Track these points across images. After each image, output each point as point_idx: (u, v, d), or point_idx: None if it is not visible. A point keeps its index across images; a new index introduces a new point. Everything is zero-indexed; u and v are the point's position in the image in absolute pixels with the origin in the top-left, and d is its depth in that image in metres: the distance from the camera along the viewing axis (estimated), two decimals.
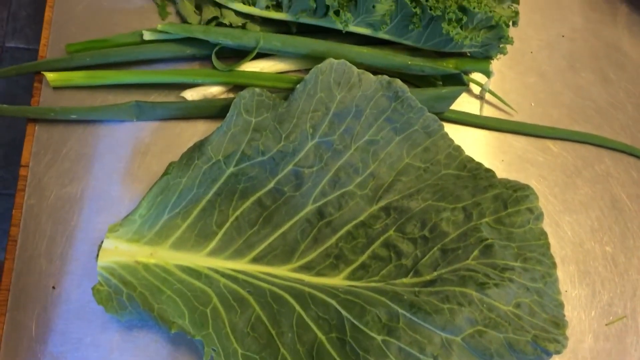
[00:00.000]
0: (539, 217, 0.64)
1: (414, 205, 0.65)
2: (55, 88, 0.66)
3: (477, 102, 0.75)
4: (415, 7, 0.66)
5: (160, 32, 0.67)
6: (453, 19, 0.65)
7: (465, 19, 0.66)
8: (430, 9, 0.65)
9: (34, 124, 0.65)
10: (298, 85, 0.65)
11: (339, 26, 0.67)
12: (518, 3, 0.73)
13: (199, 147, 0.63)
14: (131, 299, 0.57)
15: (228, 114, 0.63)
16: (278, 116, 0.65)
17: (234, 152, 0.63)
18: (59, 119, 0.65)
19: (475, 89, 0.75)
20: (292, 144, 0.64)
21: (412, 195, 0.66)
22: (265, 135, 0.64)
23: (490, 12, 0.66)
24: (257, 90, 0.65)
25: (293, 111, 0.65)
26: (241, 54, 0.69)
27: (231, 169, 0.63)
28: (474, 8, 0.65)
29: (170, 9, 0.72)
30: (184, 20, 0.71)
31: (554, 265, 0.62)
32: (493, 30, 0.68)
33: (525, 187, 0.65)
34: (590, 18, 0.81)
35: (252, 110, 0.64)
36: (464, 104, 0.75)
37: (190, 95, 0.68)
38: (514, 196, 0.64)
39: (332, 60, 0.65)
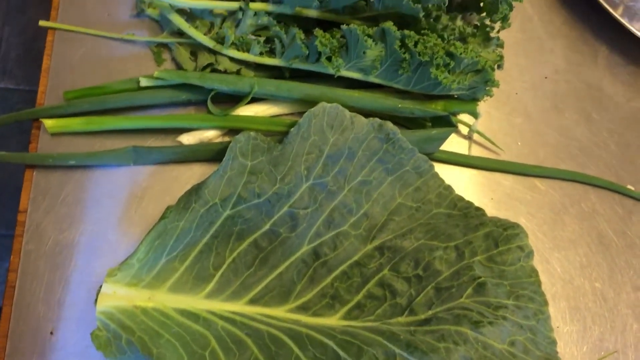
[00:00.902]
0: (530, 254, 0.65)
1: (407, 245, 0.67)
2: (54, 134, 0.67)
3: (466, 142, 0.77)
4: (404, 53, 0.68)
5: (157, 78, 0.69)
6: (441, 64, 0.68)
7: (452, 63, 0.68)
8: (419, 55, 0.67)
9: (32, 170, 0.66)
10: (292, 129, 0.67)
11: (331, 71, 0.69)
12: (502, 47, 0.75)
13: (196, 191, 0.64)
14: (130, 344, 0.57)
15: (224, 158, 0.64)
16: (273, 159, 0.66)
17: (231, 195, 0.64)
18: (57, 164, 0.66)
19: (464, 130, 0.77)
20: (287, 186, 0.66)
21: (405, 234, 0.67)
22: (261, 178, 0.65)
23: (477, 57, 0.69)
24: (253, 134, 0.66)
25: (287, 154, 0.66)
26: (236, 98, 0.71)
27: (228, 212, 0.64)
28: (461, 54, 0.68)
29: (166, 55, 0.74)
30: (179, 67, 0.73)
31: (545, 302, 0.63)
32: (480, 74, 0.71)
33: (515, 226, 0.66)
34: (572, 60, 0.85)
35: (248, 153, 0.66)
36: (453, 144, 0.77)
37: (187, 139, 0.69)
38: (504, 234, 0.66)
39: (324, 104, 0.67)
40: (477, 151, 0.77)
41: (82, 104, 0.68)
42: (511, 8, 0.74)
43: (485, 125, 0.78)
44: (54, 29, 0.72)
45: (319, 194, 0.67)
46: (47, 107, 0.67)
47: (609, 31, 0.87)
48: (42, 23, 0.72)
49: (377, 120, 0.68)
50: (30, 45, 1.79)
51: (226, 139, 0.71)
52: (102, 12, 0.74)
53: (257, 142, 0.67)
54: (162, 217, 0.63)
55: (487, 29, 0.74)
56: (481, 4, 0.77)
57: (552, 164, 0.78)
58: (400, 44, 0.68)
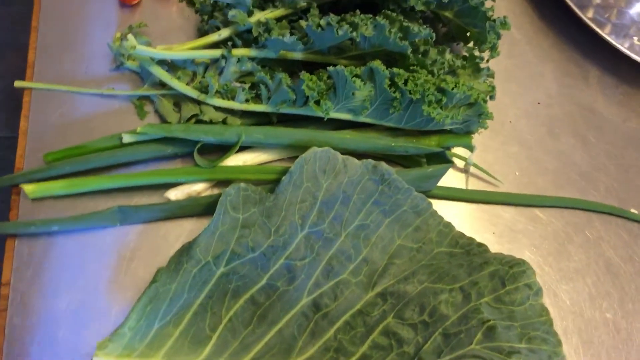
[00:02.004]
0: (539, 292, 0.63)
1: (411, 289, 0.64)
2: (34, 199, 0.64)
3: (462, 176, 0.75)
4: (394, 92, 0.66)
5: (140, 133, 0.66)
6: (433, 101, 0.66)
7: (444, 99, 0.66)
8: (410, 93, 0.65)
9: (13, 239, 0.63)
10: (284, 177, 0.64)
11: (320, 115, 0.67)
12: (493, 77, 0.74)
13: (187, 251, 0.61)
14: None
15: (215, 213, 0.62)
16: (266, 210, 0.64)
17: (224, 251, 0.62)
18: (40, 232, 0.63)
19: (460, 163, 0.75)
20: (282, 237, 0.63)
21: (408, 278, 0.65)
22: (254, 230, 0.63)
23: (469, 90, 0.67)
24: (243, 185, 0.64)
25: (280, 204, 0.64)
26: (223, 147, 0.69)
27: (221, 269, 0.62)
28: (452, 88, 0.66)
29: (149, 107, 0.72)
30: (163, 119, 0.70)
31: (559, 342, 0.61)
32: (473, 107, 0.69)
33: (521, 262, 0.64)
34: (564, 83, 0.83)
35: (239, 206, 0.63)
36: (450, 178, 0.74)
37: (174, 194, 0.66)
38: (510, 272, 0.63)
39: (315, 148, 0.65)
40: (474, 184, 0.75)
41: (63, 166, 0.65)
42: (499, 37, 0.72)
43: (481, 156, 0.76)
44: (30, 88, 0.70)
45: (315, 242, 0.64)
46: (27, 172, 0.65)
47: (598, 51, 0.85)
48: (17, 84, 0.69)
49: (371, 161, 0.66)
50: (11, 90, 1.77)
51: (215, 191, 0.69)
52: (79, 67, 0.72)
53: (247, 193, 0.64)
54: (153, 281, 0.60)
55: (477, 59, 0.72)
56: (467, 34, 0.75)
57: (552, 192, 0.75)
58: (389, 82, 0.66)
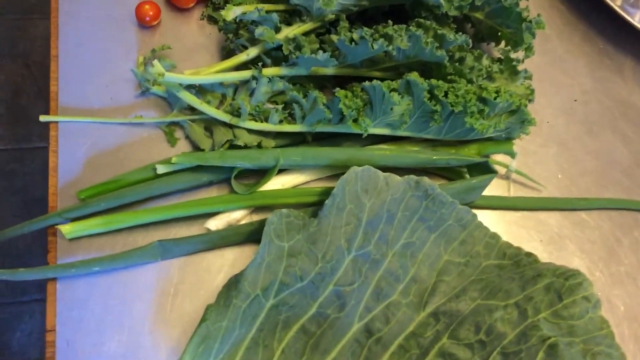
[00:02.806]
0: (597, 304, 0.61)
1: (463, 307, 0.62)
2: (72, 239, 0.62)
3: (504, 183, 0.73)
4: (435, 105, 0.64)
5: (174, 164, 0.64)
6: (475, 112, 0.63)
7: (487, 109, 0.64)
8: (451, 105, 0.63)
9: (54, 282, 0.61)
10: (326, 201, 0.62)
11: (359, 132, 0.65)
12: (531, 79, 0.71)
13: (234, 285, 0.59)
14: None
15: (260, 244, 0.60)
16: (311, 236, 0.62)
17: (272, 282, 0.60)
18: (81, 274, 0.61)
19: (500, 169, 0.73)
20: (330, 263, 0.61)
21: (459, 295, 0.63)
22: (301, 259, 0.61)
23: (510, 97, 0.64)
24: (285, 211, 0.62)
25: (325, 228, 0.62)
26: (259, 171, 0.66)
27: (271, 301, 0.60)
28: (495, 98, 0.63)
29: (179, 133, 0.69)
30: (195, 146, 0.68)
31: (623, 356, 0.59)
32: (515, 115, 0.66)
33: (576, 274, 0.62)
34: (598, 77, 0.81)
35: (284, 234, 0.61)
36: (491, 186, 0.72)
37: (215, 224, 0.64)
38: (566, 285, 0.61)
39: (356, 168, 0.63)
40: (516, 190, 0.73)
41: (98, 203, 0.63)
42: (534, 36, 0.70)
43: (521, 160, 0.74)
44: (56, 122, 0.67)
45: (362, 265, 0.62)
46: (61, 211, 0.62)
47: (631, 41, 0.83)
48: (42, 118, 0.67)
49: (413, 177, 0.63)
50: (12, 102, 1.75)
51: (254, 217, 0.67)
52: (104, 95, 0.70)
53: (290, 219, 0.62)
54: (203, 319, 0.58)
55: (514, 62, 0.70)
56: (499, 34, 0.73)
57: (596, 193, 0.73)
58: (429, 95, 0.64)
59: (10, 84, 1.78)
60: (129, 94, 0.70)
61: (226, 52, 0.73)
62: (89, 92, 0.70)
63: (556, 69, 0.80)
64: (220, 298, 0.59)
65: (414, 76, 0.64)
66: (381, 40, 0.63)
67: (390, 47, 0.63)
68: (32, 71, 1.84)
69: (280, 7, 0.71)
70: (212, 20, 0.76)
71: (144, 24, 0.73)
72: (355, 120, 0.64)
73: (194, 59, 0.73)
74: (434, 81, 0.64)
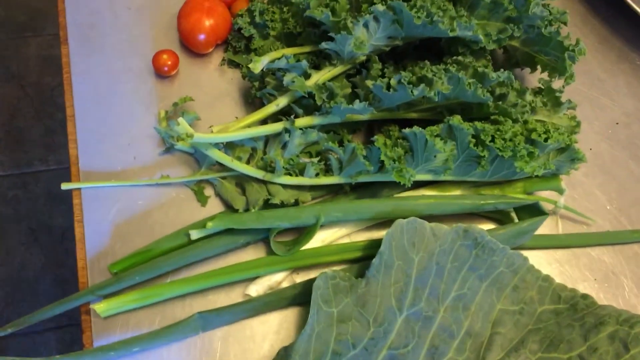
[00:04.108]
0: None
1: None
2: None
3: (552, 219, 0.69)
4: (482, 151, 0.60)
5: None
6: (525, 155, 0.60)
7: (536, 152, 0.60)
8: (500, 151, 0.59)
9: None
10: (374, 260, 0.59)
11: (402, 182, 0.61)
12: (575, 109, 0.68)
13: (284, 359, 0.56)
14: None
15: (310, 314, 0.56)
16: (360, 298, 0.58)
17: (324, 353, 0.56)
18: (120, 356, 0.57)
19: (547, 204, 0.69)
20: (382, 326, 0.58)
21: (518, 349, 0.60)
22: (352, 325, 0.58)
23: (560, 136, 0.61)
24: (329, 273, 0.58)
25: (374, 289, 0.59)
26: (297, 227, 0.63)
27: None
28: (545, 140, 0.60)
29: (208, 190, 0.66)
30: (226, 203, 0.64)
31: None
32: (565, 153, 0.63)
33: None
34: (639, 97, 0.77)
35: (331, 299, 0.58)
36: None
37: (255, 290, 0.61)
38: (632, 334, 0.58)
39: (401, 221, 0.59)
40: (564, 225, 0.69)
41: (132, 276, 0.59)
42: (574, 62, 0.66)
43: (566, 193, 0.70)
44: (79, 189, 0.64)
45: (415, 324, 0.59)
46: (94, 287, 0.59)
47: None
48: (64, 186, 0.63)
49: (461, 226, 0.60)
50: (10, 126, 1.71)
51: (296, 277, 0.63)
52: (127, 156, 0.66)
53: (336, 281, 0.59)
54: None
55: (557, 93, 0.66)
56: (535, 59, 0.69)
57: None
58: (474, 140, 0.60)
59: (6, 107, 1.74)
60: (153, 151, 0.66)
61: (252, 99, 0.69)
62: (111, 152, 0.66)
63: (595, 90, 0.77)
64: None
65: (456, 120, 0.60)
66: (422, 86, 0.59)
67: (433, 94, 0.59)
68: (28, 92, 1.80)
69: (307, 49, 0.67)
70: (233, 64, 0.72)
71: (163, 74, 0.69)
72: (399, 171, 0.60)
73: (218, 107, 0.70)
74: (479, 124, 0.60)
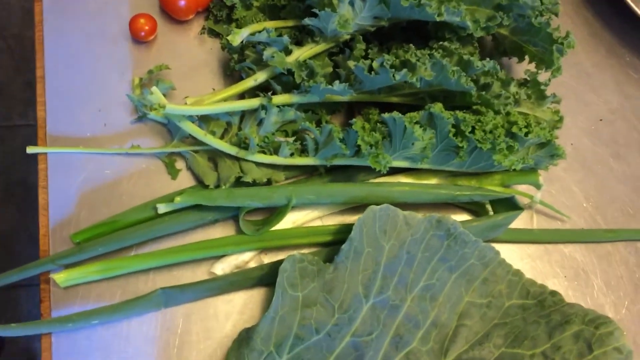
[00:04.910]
0: (629, 356, 0.57)
1: (487, 356, 0.59)
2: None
3: (527, 213, 0.69)
4: (461, 141, 0.59)
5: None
6: (504, 148, 0.59)
7: (516, 146, 0.59)
8: (479, 142, 0.58)
9: (49, 337, 0.56)
10: (343, 245, 0.58)
11: (377, 168, 0.60)
12: (559, 102, 0.66)
13: (246, 341, 0.55)
14: None
15: (274, 296, 0.56)
16: (327, 284, 0.58)
17: (286, 337, 0.56)
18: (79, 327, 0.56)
19: (523, 198, 0.68)
20: (347, 313, 0.57)
21: (482, 342, 0.60)
22: (317, 310, 0.57)
23: (541, 131, 0.60)
24: (298, 256, 0.57)
25: (342, 275, 0.58)
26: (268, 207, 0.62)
27: (285, 358, 0.56)
28: (526, 134, 0.58)
29: (180, 164, 0.64)
30: (198, 179, 0.63)
31: None
32: (544, 148, 0.62)
33: (607, 322, 0.58)
34: (626, 94, 0.76)
35: (297, 282, 0.57)
36: None
37: (221, 268, 0.60)
38: (597, 334, 0.58)
39: (374, 208, 0.58)
40: (539, 220, 0.69)
41: (94, 247, 0.58)
42: (562, 55, 0.64)
43: (544, 187, 0.69)
44: (45, 153, 0.61)
45: (380, 312, 0.58)
46: (55, 256, 0.57)
47: None
48: (29, 149, 0.61)
49: (435, 216, 0.59)
50: None
51: (264, 257, 0.62)
52: (97, 122, 0.64)
53: (304, 265, 0.58)
54: None
55: (542, 86, 0.65)
56: (523, 49, 0.67)
57: (623, 223, 0.69)
58: (454, 130, 0.59)
59: None
60: (124, 119, 0.64)
61: (230, 72, 0.67)
62: (81, 117, 0.64)
63: (582, 84, 0.75)
64: (230, 356, 0.55)
65: (437, 108, 0.59)
66: (404, 71, 0.57)
67: (415, 79, 0.57)
68: (10, 44, 1.74)
69: (290, 23, 0.65)
70: (214, 33, 0.69)
71: (139, 39, 0.67)
72: (375, 157, 0.59)
73: (195, 77, 0.67)
74: (459, 114, 0.59)
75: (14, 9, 1.80)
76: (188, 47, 0.68)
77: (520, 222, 0.67)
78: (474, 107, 0.62)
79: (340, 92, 0.59)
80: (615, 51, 0.78)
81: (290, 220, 0.62)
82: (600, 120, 0.74)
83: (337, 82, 0.58)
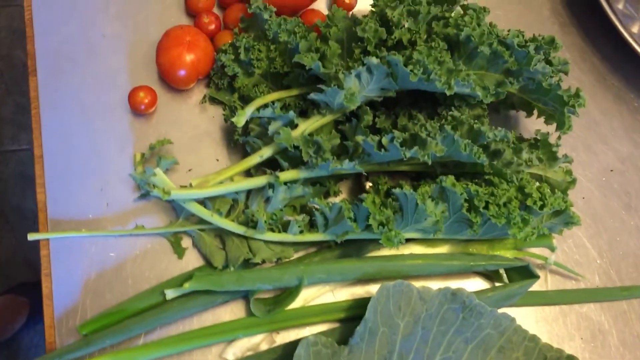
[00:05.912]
0: None
1: None
2: None
3: (541, 274, 0.67)
4: (475, 217, 0.57)
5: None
6: (518, 222, 0.57)
7: (531, 219, 0.58)
8: (493, 217, 0.57)
9: None
10: (358, 327, 0.57)
11: (390, 246, 0.58)
12: (571, 162, 0.65)
13: None
14: None
15: None
16: None
17: None
18: None
19: (536, 259, 0.67)
20: None
21: None
22: None
23: (555, 201, 0.58)
24: (311, 339, 0.56)
25: (357, 358, 0.57)
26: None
27: None
28: (541, 207, 0.57)
29: (186, 241, 0.62)
30: (204, 257, 0.61)
31: None
32: (560, 216, 0.60)
33: None
34: (637, 142, 0.74)
35: None
36: None
37: (233, 354, 0.58)
38: None
39: (387, 285, 0.57)
40: (553, 280, 0.67)
41: (102, 339, 0.56)
42: (574, 114, 0.63)
43: (556, 244, 0.68)
44: (47, 239, 0.60)
45: None
46: (61, 351, 0.56)
47: None
48: (31, 236, 0.59)
49: (450, 289, 0.58)
50: None
51: (276, 338, 0.60)
52: (99, 202, 0.62)
53: (317, 348, 0.56)
54: None
55: (553, 148, 0.63)
56: (532, 105, 0.66)
57: (637, 278, 0.68)
58: (467, 205, 0.57)
59: None
60: (127, 197, 0.62)
61: (233, 143, 0.65)
62: (82, 198, 0.62)
63: (591, 134, 0.74)
64: None
65: (449, 182, 0.57)
66: (415, 148, 0.56)
67: (427, 157, 0.56)
68: None
69: (294, 92, 0.63)
70: (215, 101, 0.67)
71: (139, 112, 0.65)
72: (387, 237, 0.57)
73: (198, 147, 0.66)
74: (472, 187, 0.57)
75: (2, 30, 1.76)
76: (189, 116, 0.67)
77: (535, 283, 0.66)
78: (486, 177, 0.61)
79: (349, 169, 0.58)
80: (624, 96, 0.76)
81: (302, 298, 0.61)
82: (611, 170, 0.73)
83: (346, 160, 0.57)
